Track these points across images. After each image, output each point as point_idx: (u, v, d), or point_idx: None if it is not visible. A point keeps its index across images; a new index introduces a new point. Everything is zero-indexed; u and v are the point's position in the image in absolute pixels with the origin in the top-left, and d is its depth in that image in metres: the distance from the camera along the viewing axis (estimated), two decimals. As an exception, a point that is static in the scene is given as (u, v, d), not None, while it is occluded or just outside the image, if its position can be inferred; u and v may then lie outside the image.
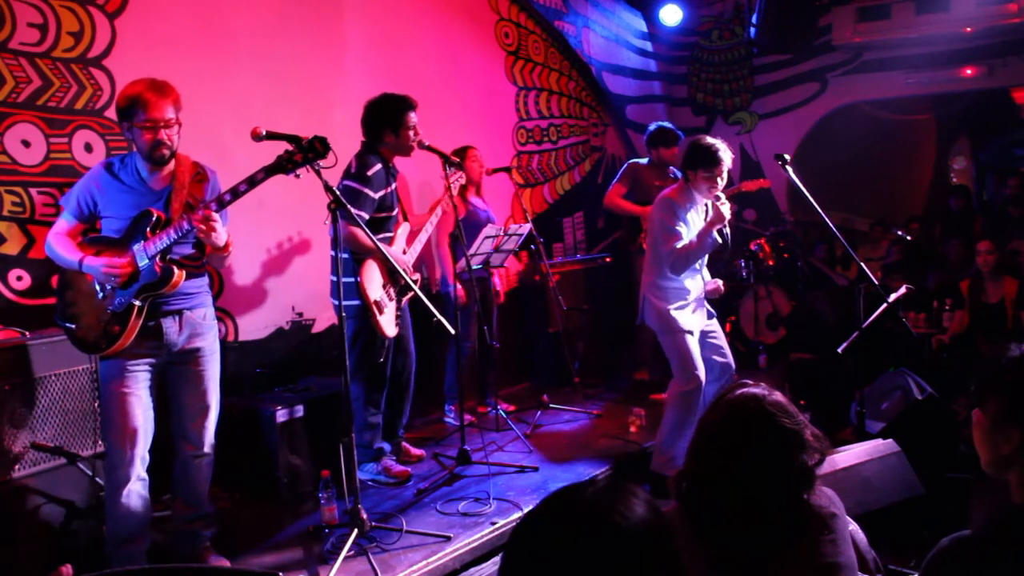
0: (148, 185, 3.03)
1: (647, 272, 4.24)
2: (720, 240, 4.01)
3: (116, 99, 2.99)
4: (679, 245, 4.00)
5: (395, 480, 4.08)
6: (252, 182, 2.90)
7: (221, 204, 2.90)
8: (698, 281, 4.21)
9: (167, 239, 2.89)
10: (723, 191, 4.44)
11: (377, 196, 3.88)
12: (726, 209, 3.94)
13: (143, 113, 2.88)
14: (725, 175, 4.00)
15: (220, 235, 2.95)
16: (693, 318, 4.16)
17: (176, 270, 2.94)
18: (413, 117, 3.98)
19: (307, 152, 2.89)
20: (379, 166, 3.91)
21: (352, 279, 3.85)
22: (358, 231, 3.68)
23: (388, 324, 3.95)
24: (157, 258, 2.91)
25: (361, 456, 4.03)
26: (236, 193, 2.89)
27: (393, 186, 4.03)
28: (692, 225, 4.10)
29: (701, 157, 3.97)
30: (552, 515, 1.13)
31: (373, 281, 3.90)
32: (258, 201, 4.42)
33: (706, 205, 4.12)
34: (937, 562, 1.44)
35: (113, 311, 2.93)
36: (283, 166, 2.90)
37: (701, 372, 4.07)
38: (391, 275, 3.98)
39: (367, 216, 3.79)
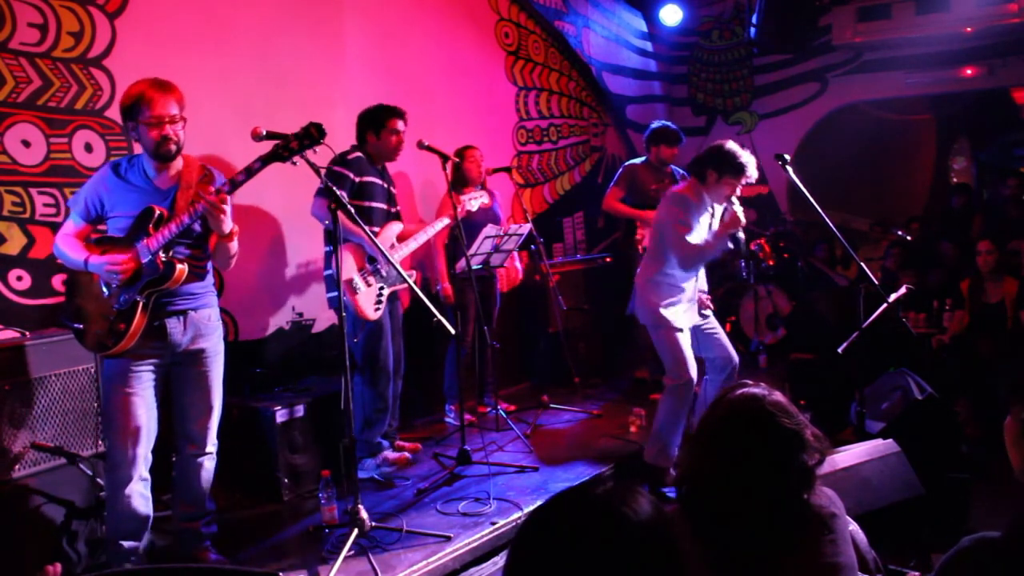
0: (155, 184, 3.03)
1: (646, 267, 4.23)
2: (732, 245, 4.06)
3: (120, 99, 2.98)
4: (692, 240, 3.98)
5: (395, 467, 4.11)
6: (249, 172, 2.90)
7: (234, 185, 2.91)
8: (693, 282, 4.21)
9: (169, 234, 2.90)
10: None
11: (357, 180, 3.99)
12: (741, 213, 3.97)
13: (148, 110, 2.89)
14: (743, 185, 4.01)
15: (227, 221, 2.97)
16: (684, 316, 4.15)
17: (178, 265, 2.95)
18: (399, 124, 4.15)
19: (303, 139, 2.89)
20: (360, 153, 4.06)
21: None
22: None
23: (367, 306, 3.97)
24: (160, 253, 2.91)
25: (362, 452, 4.05)
26: (235, 184, 2.91)
27: (378, 180, 4.12)
28: (703, 224, 4.10)
29: (728, 163, 3.93)
30: (562, 510, 1.16)
31: (345, 265, 3.94)
32: (259, 202, 4.44)
33: (713, 208, 4.11)
34: (956, 561, 1.44)
35: (118, 309, 2.93)
36: (279, 154, 2.90)
37: (692, 367, 4.08)
38: (370, 261, 4.01)
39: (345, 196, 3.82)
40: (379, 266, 4.01)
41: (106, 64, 3.85)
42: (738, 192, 4.01)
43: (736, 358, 4.29)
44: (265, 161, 2.90)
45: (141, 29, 3.97)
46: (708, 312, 4.32)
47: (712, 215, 4.13)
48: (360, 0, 5.17)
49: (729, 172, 3.93)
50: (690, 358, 4.09)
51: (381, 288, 4.07)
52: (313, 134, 2.89)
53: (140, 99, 2.89)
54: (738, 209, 3.97)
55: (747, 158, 3.94)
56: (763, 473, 1.62)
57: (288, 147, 2.89)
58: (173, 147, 2.96)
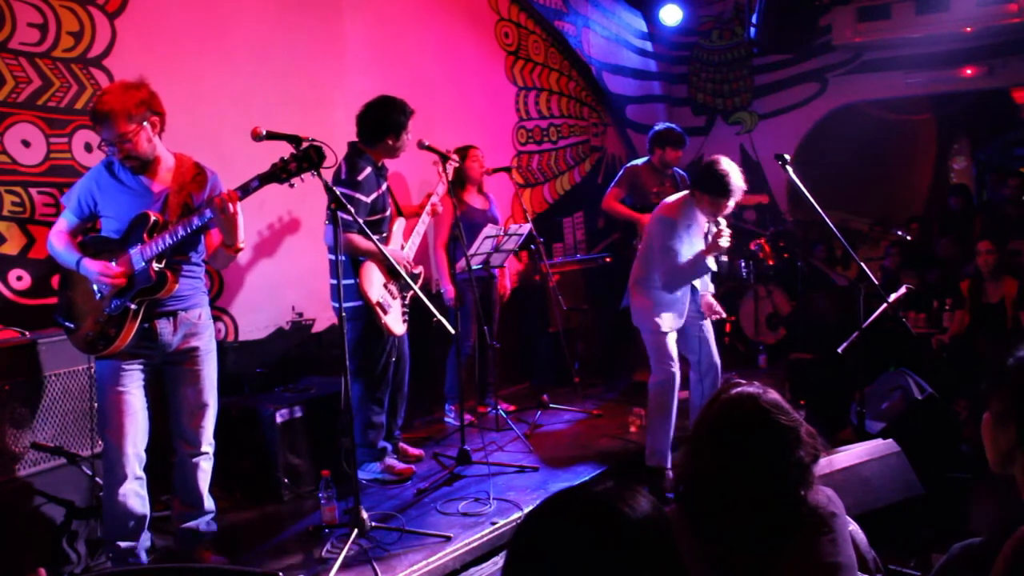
0: (145, 186, 3.02)
1: (637, 269, 4.31)
2: (713, 269, 4.10)
3: None
4: (673, 265, 4.05)
5: (399, 478, 4.09)
6: (245, 190, 2.89)
7: (246, 192, 2.90)
8: (686, 288, 4.22)
9: (163, 243, 2.89)
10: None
11: (369, 200, 3.90)
12: (725, 241, 3.96)
13: (99, 131, 2.89)
14: (730, 208, 4.00)
15: (240, 232, 2.95)
16: (673, 320, 4.22)
17: (170, 276, 2.94)
18: (411, 123, 4.09)
19: (302, 162, 2.87)
20: (369, 169, 3.94)
21: (352, 281, 3.86)
22: (355, 237, 3.75)
23: (395, 323, 3.98)
24: (152, 262, 2.91)
25: (364, 456, 4.04)
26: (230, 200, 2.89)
27: (384, 186, 4.05)
28: (693, 241, 4.11)
29: (712, 183, 3.93)
30: (561, 508, 1.16)
31: (373, 282, 3.91)
32: (259, 202, 4.43)
33: (708, 227, 4.11)
34: (946, 569, 1.44)
35: (109, 313, 2.93)
36: (277, 175, 2.88)
37: (675, 365, 4.19)
38: (392, 273, 3.99)
39: (361, 221, 3.80)
40: (401, 276, 3.97)
41: (106, 64, 3.85)
42: (730, 208, 3.99)
43: (719, 363, 4.37)
44: (263, 180, 2.89)
45: (141, 29, 3.97)
46: (706, 321, 4.35)
47: (708, 231, 4.11)
48: (360, 1, 5.17)
49: (710, 191, 3.93)
50: (674, 354, 4.18)
51: (405, 299, 4.08)
52: (312, 157, 2.86)
53: (91, 117, 2.90)
54: (724, 234, 3.95)
55: (735, 182, 3.89)
56: (760, 470, 1.62)
57: (287, 169, 2.87)
58: (135, 162, 2.95)
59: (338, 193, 3.11)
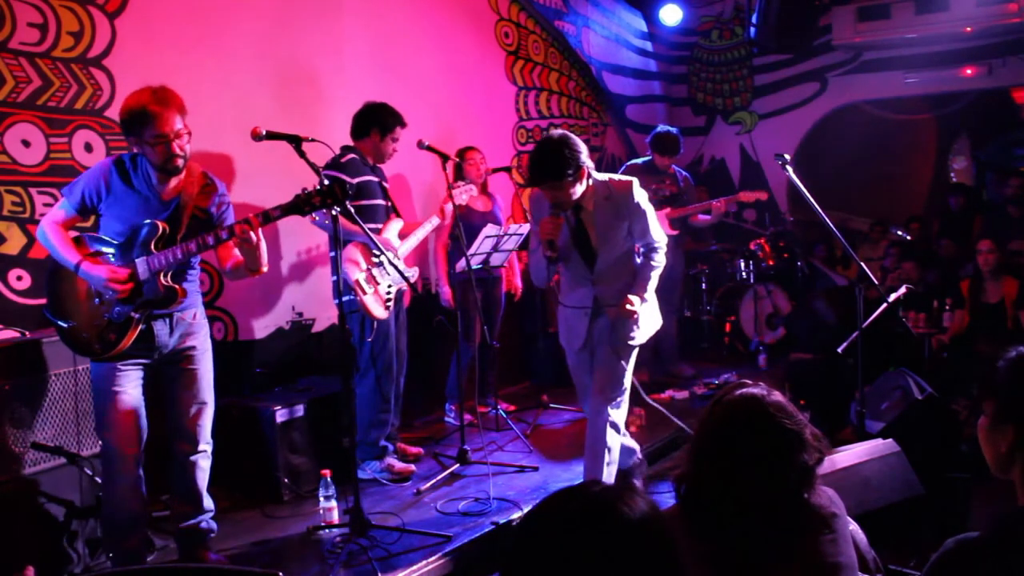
0: (158, 193, 2.97)
1: None
2: (548, 265, 3.48)
3: (119, 112, 2.89)
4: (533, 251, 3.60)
5: (399, 477, 4.10)
6: (267, 218, 2.89)
7: (267, 220, 2.89)
8: (581, 291, 3.56)
9: (172, 259, 2.87)
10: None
11: (354, 181, 3.97)
12: (548, 228, 3.38)
13: (151, 129, 2.80)
14: (572, 194, 3.37)
15: (262, 257, 2.96)
16: (565, 334, 3.68)
17: (179, 290, 2.94)
18: (399, 133, 4.20)
19: (326, 197, 2.88)
20: (353, 155, 4.07)
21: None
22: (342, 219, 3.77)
23: (375, 306, 3.98)
24: (160, 275, 2.89)
25: (365, 454, 4.05)
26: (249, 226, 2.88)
27: (374, 177, 4.13)
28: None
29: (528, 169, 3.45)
30: (560, 508, 1.17)
31: (354, 260, 3.96)
32: (257, 200, 4.43)
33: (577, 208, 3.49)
34: (941, 564, 1.44)
35: (110, 319, 2.90)
36: (300, 207, 2.89)
37: (581, 393, 3.73)
38: (375, 258, 4.02)
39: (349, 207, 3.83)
40: (383, 263, 4.01)
41: (106, 64, 3.85)
42: (574, 195, 3.37)
43: (599, 389, 3.52)
44: (285, 211, 2.90)
45: (141, 29, 3.96)
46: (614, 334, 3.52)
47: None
48: (360, 1, 5.17)
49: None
50: (578, 382, 3.70)
51: (390, 287, 4.08)
52: (337, 194, 2.88)
53: (142, 116, 2.80)
54: (547, 222, 3.40)
55: (535, 163, 3.33)
56: (763, 473, 1.62)
57: (310, 202, 2.88)
58: (180, 162, 2.91)
59: (324, 175, 3.08)
